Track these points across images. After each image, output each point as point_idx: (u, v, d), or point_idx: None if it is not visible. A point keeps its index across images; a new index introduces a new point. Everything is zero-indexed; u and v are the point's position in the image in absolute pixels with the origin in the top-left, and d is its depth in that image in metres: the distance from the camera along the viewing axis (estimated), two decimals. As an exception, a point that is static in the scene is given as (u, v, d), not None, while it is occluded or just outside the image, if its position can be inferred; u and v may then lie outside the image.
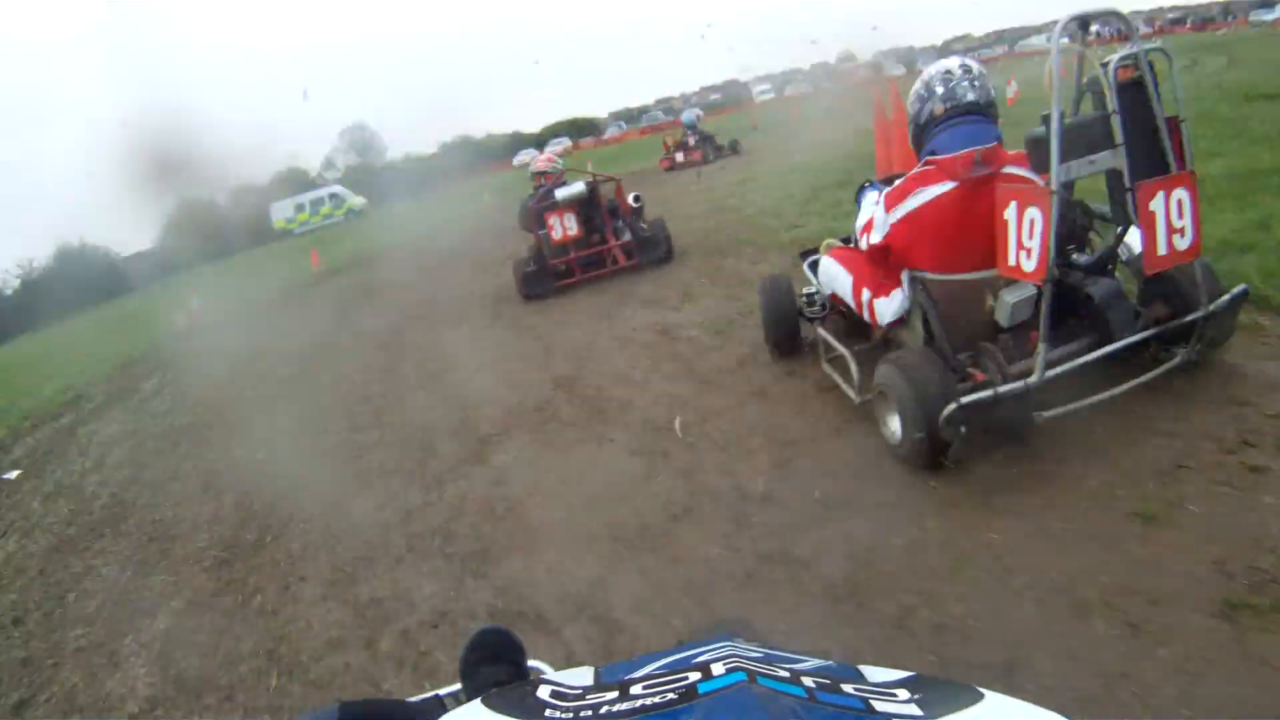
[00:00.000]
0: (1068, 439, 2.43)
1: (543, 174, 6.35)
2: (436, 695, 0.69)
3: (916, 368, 2.38)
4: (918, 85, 2.76)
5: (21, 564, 3.74)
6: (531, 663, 0.74)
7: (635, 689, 0.41)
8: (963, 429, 2.27)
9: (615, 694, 0.41)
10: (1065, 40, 2.29)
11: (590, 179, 6.19)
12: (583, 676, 0.47)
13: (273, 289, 12.44)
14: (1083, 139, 2.22)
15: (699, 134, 15.68)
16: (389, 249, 13.82)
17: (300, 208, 30.54)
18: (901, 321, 2.81)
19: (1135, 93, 2.29)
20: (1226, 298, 2.45)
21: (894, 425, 2.52)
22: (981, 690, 0.38)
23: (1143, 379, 2.42)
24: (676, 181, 12.53)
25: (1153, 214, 2.27)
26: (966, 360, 2.58)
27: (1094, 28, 2.37)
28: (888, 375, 2.47)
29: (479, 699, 0.42)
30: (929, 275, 2.63)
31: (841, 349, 3.09)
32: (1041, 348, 2.26)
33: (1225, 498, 2.01)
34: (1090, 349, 2.43)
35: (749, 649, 0.49)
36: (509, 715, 0.40)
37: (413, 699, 0.67)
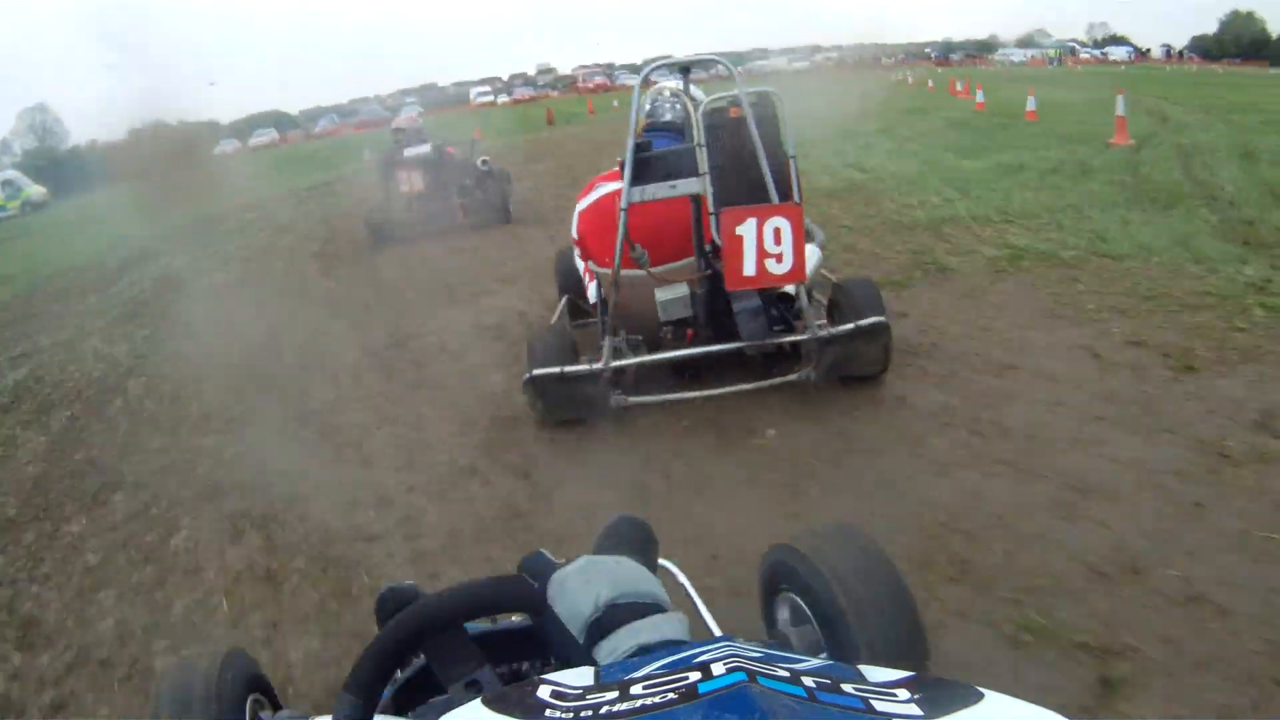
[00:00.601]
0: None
1: (401, 130, 7.04)
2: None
3: (538, 341, 2.78)
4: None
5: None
6: (662, 561, 0.75)
7: (635, 689, 0.41)
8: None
9: (615, 694, 0.41)
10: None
11: (440, 144, 6.94)
12: (583, 676, 0.47)
13: None
14: (671, 166, 2.54)
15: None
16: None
17: (-35, 193, 23.63)
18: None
19: (737, 129, 2.58)
20: (848, 326, 2.62)
21: None
22: (982, 690, 0.38)
23: (744, 386, 2.68)
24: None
25: (739, 238, 2.53)
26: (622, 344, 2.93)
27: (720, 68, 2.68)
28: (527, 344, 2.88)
29: (479, 698, 0.43)
30: (602, 270, 3.01)
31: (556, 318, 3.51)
32: (606, 342, 2.59)
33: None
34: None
35: (749, 649, 0.48)
36: (509, 715, 0.40)
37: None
